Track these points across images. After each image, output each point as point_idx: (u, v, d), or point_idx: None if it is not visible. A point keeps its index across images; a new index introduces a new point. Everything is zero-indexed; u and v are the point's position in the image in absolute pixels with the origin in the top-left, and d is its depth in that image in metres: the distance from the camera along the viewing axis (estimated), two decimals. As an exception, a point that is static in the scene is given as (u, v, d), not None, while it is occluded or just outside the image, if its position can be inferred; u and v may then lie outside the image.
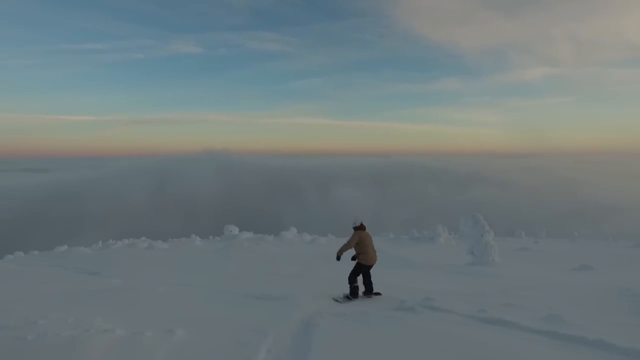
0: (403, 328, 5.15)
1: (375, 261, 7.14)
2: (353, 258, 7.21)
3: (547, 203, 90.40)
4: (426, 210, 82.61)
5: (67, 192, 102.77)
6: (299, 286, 8.00)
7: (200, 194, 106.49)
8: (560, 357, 4.14)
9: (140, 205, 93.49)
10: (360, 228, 7.05)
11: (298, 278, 9.23)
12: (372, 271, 7.28)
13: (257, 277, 9.52)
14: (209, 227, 33.27)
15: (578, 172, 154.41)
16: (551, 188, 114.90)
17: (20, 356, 4.08)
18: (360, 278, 7.21)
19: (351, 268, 7.22)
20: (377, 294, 7.26)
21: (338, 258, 6.96)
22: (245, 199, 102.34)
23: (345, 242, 6.98)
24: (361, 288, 7.27)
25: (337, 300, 6.91)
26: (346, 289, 7.23)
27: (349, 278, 7.06)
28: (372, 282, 7.27)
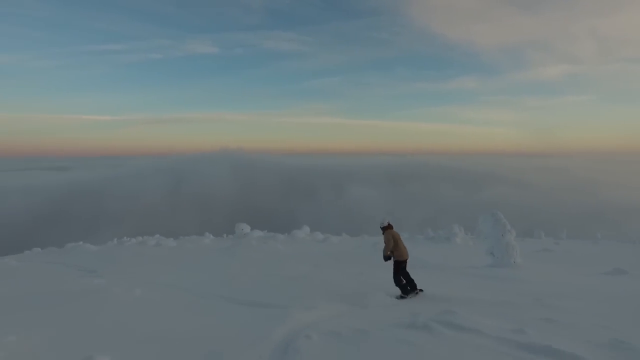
0: (413, 357, 4.01)
1: (408, 255, 7.47)
2: (386, 259, 7.39)
3: (566, 203, 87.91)
4: (441, 210, 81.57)
5: (87, 191, 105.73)
6: (299, 290, 7.43)
7: (216, 192, 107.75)
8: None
9: (157, 204, 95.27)
10: (388, 227, 7.43)
11: (301, 280, 8.54)
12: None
13: (256, 278, 8.99)
14: (224, 225, 33.51)
15: (598, 172, 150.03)
16: (570, 188, 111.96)
17: None
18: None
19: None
20: (420, 290, 7.48)
21: (386, 259, 7.32)
22: (260, 198, 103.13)
23: (384, 246, 7.36)
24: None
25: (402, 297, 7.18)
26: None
27: (394, 279, 7.30)
28: (412, 279, 7.48)
